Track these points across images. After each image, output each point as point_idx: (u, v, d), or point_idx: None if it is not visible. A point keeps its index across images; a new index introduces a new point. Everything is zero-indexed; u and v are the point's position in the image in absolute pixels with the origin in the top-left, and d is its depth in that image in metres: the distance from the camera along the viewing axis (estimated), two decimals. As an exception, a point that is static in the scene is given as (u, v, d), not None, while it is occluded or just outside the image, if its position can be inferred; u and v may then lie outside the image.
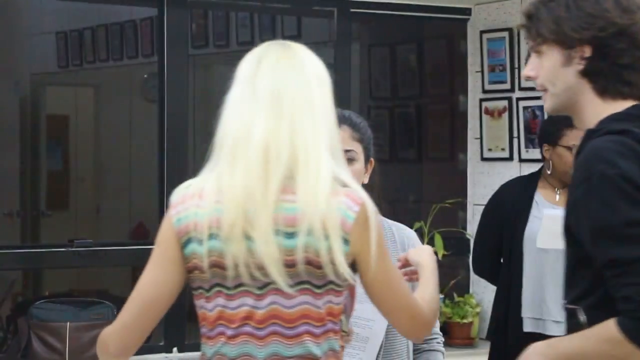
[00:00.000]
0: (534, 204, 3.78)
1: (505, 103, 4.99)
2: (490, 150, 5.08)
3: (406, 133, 5.75)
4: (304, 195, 1.82)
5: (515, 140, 4.96)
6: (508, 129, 4.98)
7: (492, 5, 5.05)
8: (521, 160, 4.92)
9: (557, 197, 3.81)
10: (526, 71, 2.12)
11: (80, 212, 6.48)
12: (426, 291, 2.04)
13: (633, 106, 1.99)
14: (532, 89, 4.90)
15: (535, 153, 4.41)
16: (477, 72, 5.13)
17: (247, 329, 1.87)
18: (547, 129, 3.87)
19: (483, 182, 5.05)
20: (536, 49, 2.07)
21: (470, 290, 5.11)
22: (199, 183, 1.90)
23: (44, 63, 6.39)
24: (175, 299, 1.94)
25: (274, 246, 1.81)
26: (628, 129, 1.91)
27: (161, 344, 4.52)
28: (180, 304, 4.56)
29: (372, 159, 2.51)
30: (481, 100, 5.11)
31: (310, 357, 1.86)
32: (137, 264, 5.29)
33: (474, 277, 4.90)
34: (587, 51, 1.98)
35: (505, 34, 4.96)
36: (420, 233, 4.52)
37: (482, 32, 5.08)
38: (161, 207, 4.55)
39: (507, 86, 4.98)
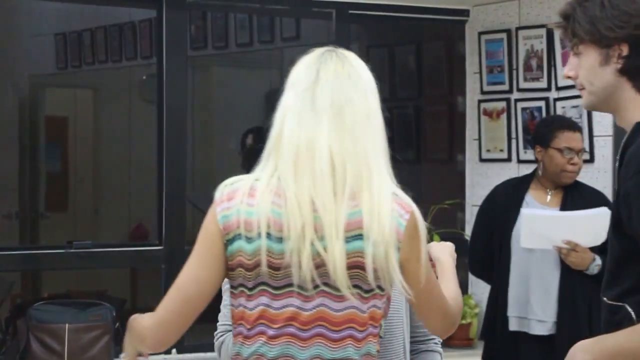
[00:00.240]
0: (524, 205, 3.83)
1: (503, 104, 4.99)
2: (488, 151, 5.08)
3: (405, 134, 5.75)
4: (367, 202, 1.88)
5: (514, 142, 4.96)
6: (506, 130, 4.98)
7: (490, 7, 5.05)
8: (519, 161, 4.93)
9: (549, 197, 3.85)
10: (566, 71, 2.14)
11: (79, 213, 6.48)
12: (451, 287, 2.12)
13: None
14: (530, 90, 4.92)
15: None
16: (475, 73, 5.13)
17: (290, 329, 1.90)
18: (539, 131, 3.91)
19: (481, 183, 5.05)
20: (574, 49, 2.08)
21: (469, 291, 5.12)
22: (248, 182, 1.93)
23: (43, 64, 6.39)
24: (214, 296, 1.96)
25: (340, 250, 1.86)
26: None
27: (160, 345, 4.52)
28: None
29: None
30: (479, 101, 5.11)
31: None
32: (136, 266, 5.31)
33: (472, 278, 4.91)
34: (625, 49, 1.99)
35: (504, 35, 4.97)
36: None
37: (480, 33, 5.08)
38: (160, 209, 4.55)
39: (506, 87, 4.99)
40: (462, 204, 5.19)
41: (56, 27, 6.20)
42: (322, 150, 1.89)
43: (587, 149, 4.52)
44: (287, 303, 1.89)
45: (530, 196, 3.87)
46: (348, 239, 1.87)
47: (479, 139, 5.13)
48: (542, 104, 4.80)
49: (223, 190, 1.95)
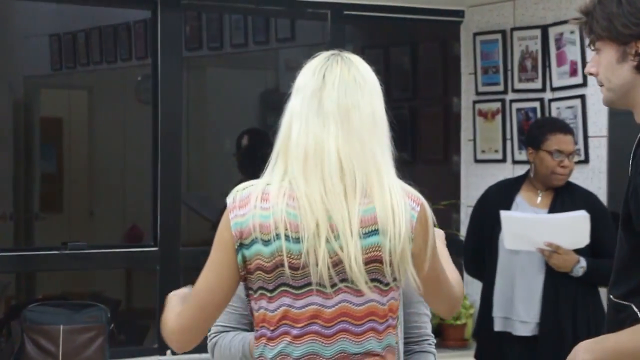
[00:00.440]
0: (514, 206, 3.86)
1: (498, 105, 5.00)
2: (483, 152, 5.08)
3: (400, 135, 5.74)
4: (380, 198, 1.93)
5: (509, 142, 4.97)
6: (501, 130, 4.99)
7: (485, 8, 5.06)
8: (514, 162, 4.93)
9: (539, 199, 3.87)
10: (587, 68, 2.14)
11: (73, 214, 6.47)
12: (450, 271, 2.16)
13: None
14: (525, 90, 4.93)
15: (529, 155, 4.43)
16: (470, 74, 5.14)
17: (314, 327, 1.93)
18: (531, 133, 3.93)
19: (476, 183, 5.05)
20: (590, 45, 2.08)
21: (464, 292, 5.12)
22: (260, 186, 1.96)
23: (38, 65, 6.38)
24: (230, 299, 2.00)
25: (356, 247, 1.90)
26: None
27: (155, 346, 4.52)
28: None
29: None
30: (474, 102, 5.12)
31: (373, 353, 1.95)
32: (131, 267, 5.30)
33: (467, 279, 4.90)
34: None
35: (498, 36, 4.97)
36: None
37: (475, 34, 5.08)
38: (155, 210, 4.55)
39: (501, 88, 4.99)
40: (457, 204, 5.20)
41: (51, 28, 6.19)
42: (331, 153, 1.93)
43: (582, 149, 4.53)
44: (309, 302, 1.93)
45: (521, 197, 3.89)
46: (364, 235, 1.92)
47: (474, 140, 5.14)
48: (536, 104, 4.80)
49: (235, 196, 1.98)
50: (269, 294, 1.94)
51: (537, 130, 3.88)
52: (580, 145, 4.51)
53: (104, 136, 6.50)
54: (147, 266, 4.66)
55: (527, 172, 3.95)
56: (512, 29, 4.92)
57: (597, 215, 3.79)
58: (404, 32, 5.62)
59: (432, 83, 5.65)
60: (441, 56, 5.52)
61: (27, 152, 6.21)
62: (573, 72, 4.63)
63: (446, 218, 5.13)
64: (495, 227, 3.84)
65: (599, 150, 4.52)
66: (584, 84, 4.57)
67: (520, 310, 3.80)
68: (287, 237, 1.91)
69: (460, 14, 5.16)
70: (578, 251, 3.75)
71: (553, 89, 4.75)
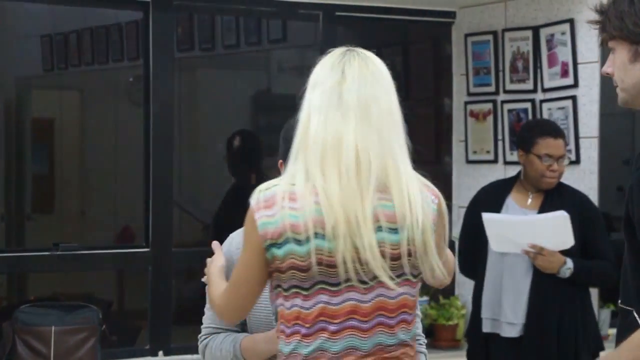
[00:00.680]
0: (504, 208, 3.86)
1: (490, 106, 5.01)
2: (475, 152, 5.09)
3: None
4: (397, 192, 1.96)
5: (500, 143, 4.98)
6: (493, 131, 5.00)
7: (477, 9, 5.07)
8: (506, 163, 4.94)
9: (529, 201, 3.88)
10: (604, 68, 2.12)
11: (65, 215, 6.45)
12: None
13: None
14: (516, 91, 4.94)
15: (520, 156, 4.44)
16: (462, 75, 5.15)
17: (352, 322, 1.96)
18: (522, 135, 3.94)
19: (468, 184, 5.06)
20: (603, 44, 2.06)
21: (456, 292, 5.13)
22: (284, 187, 1.97)
23: (29, 66, 6.36)
24: (264, 287, 2.05)
25: (376, 242, 1.93)
26: None
27: (147, 347, 4.51)
28: (166, 307, 4.57)
29: None
30: (466, 103, 5.13)
31: (405, 343, 2.01)
32: (122, 268, 5.29)
33: (459, 279, 4.92)
34: None
35: (490, 37, 4.98)
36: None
37: (466, 35, 5.09)
38: (147, 211, 4.55)
39: (492, 89, 5.00)
40: (449, 205, 5.16)
41: (42, 29, 6.17)
42: (349, 146, 1.94)
43: (573, 150, 4.54)
44: (346, 298, 1.95)
45: (511, 199, 3.90)
46: (385, 230, 1.95)
47: (466, 141, 5.15)
48: (528, 105, 4.81)
49: (258, 196, 1.99)
50: (304, 292, 1.96)
51: (527, 133, 3.89)
52: (572, 146, 4.52)
53: (96, 137, 6.49)
54: (139, 267, 4.65)
55: (519, 173, 3.96)
56: (504, 30, 4.93)
57: (588, 216, 3.79)
58: (395, 33, 5.62)
59: (423, 84, 5.66)
60: (433, 57, 5.53)
61: (18, 153, 6.19)
62: (564, 73, 4.65)
63: (438, 219, 5.13)
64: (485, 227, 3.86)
65: (590, 151, 4.53)
66: (575, 85, 4.59)
67: (508, 312, 3.81)
68: (319, 236, 1.93)
69: (451, 15, 5.17)
70: (567, 252, 3.75)
71: (544, 90, 4.76)
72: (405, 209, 1.95)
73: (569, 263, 3.72)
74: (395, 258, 1.95)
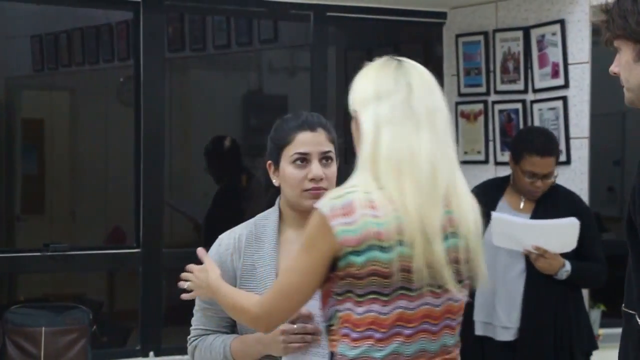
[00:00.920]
0: (497, 210, 3.85)
1: (481, 106, 5.01)
2: (466, 153, 5.10)
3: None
4: (456, 202, 2.03)
5: (491, 144, 4.98)
6: (484, 132, 5.00)
7: (468, 9, 5.07)
8: (497, 164, 4.95)
9: (522, 204, 3.88)
10: (611, 68, 2.10)
11: (55, 216, 6.44)
12: None
13: None
14: (507, 92, 4.94)
15: (511, 156, 4.44)
16: (452, 75, 5.15)
17: (425, 326, 2.02)
18: (514, 145, 3.92)
19: (459, 185, 5.06)
20: (607, 43, 2.05)
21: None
22: (360, 194, 1.98)
23: (19, 66, 6.35)
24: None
25: (445, 250, 2.00)
26: None
27: (137, 348, 4.50)
28: (157, 308, 4.56)
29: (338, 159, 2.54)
30: (457, 103, 5.13)
31: (457, 344, 2.12)
32: (113, 268, 5.28)
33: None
34: None
35: (481, 38, 4.98)
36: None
37: (457, 35, 5.09)
38: (137, 211, 4.53)
39: (483, 89, 5.00)
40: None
41: (32, 29, 6.16)
42: (423, 158, 2.00)
43: (564, 151, 4.54)
44: (422, 302, 2.01)
45: (504, 202, 3.90)
46: (454, 235, 2.03)
47: (457, 141, 5.14)
48: (519, 106, 4.82)
49: (333, 204, 1.99)
50: (384, 298, 1.99)
51: (518, 145, 3.87)
52: (562, 147, 4.53)
53: (86, 137, 6.48)
54: (130, 268, 4.64)
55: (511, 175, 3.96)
56: (495, 31, 4.94)
57: (580, 217, 3.80)
58: (386, 34, 5.63)
59: (414, 84, 5.65)
60: (423, 57, 5.53)
61: (8, 153, 6.18)
62: (555, 74, 4.65)
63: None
64: None
65: (581, 151, 4.54)
66: (566, 85, 4.59)
67: (502, 316, 3.80)
68: (402, 243, 1.97)
69: (442, 15, 5.17)
70: (563, 254, 3.76)
71: (535, 91, 4.77)
72: (462, 217, 2.04)
73: (567, 266, 3.73)
74: (452, 262, 2.02)
